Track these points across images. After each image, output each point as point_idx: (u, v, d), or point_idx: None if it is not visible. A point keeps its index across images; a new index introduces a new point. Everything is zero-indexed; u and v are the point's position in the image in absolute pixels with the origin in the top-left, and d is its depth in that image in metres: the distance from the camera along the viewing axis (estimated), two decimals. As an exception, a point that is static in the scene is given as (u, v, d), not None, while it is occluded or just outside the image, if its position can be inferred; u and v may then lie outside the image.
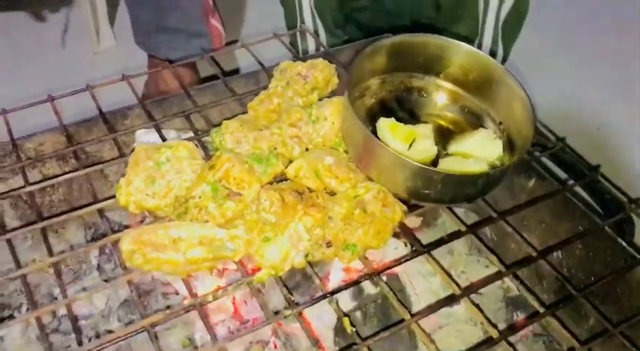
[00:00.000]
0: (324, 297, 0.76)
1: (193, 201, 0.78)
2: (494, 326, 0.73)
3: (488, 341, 0.73)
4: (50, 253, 0.79)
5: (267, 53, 1.14)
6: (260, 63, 1.08)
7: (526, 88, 0.85)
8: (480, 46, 1.45)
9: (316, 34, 1.53)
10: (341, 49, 1.17)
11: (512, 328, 0.80)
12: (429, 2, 1.44)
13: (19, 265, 0.78)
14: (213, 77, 1.09)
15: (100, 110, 0.99)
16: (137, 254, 0.75)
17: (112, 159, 0.92)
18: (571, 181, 0.90)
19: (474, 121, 0.93)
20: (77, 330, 0.72)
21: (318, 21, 1.50)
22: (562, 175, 0.94)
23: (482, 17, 1.41)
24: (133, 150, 0.86)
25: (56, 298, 1.04)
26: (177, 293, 1.00)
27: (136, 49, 1.67)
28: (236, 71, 1.82)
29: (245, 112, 0.97)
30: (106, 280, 1.06)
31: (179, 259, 0.75)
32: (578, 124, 1.85)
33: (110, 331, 0.98)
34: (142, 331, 0.72)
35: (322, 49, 1.15)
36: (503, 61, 1.51)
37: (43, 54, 2.09)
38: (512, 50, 1.54)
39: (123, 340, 0.72)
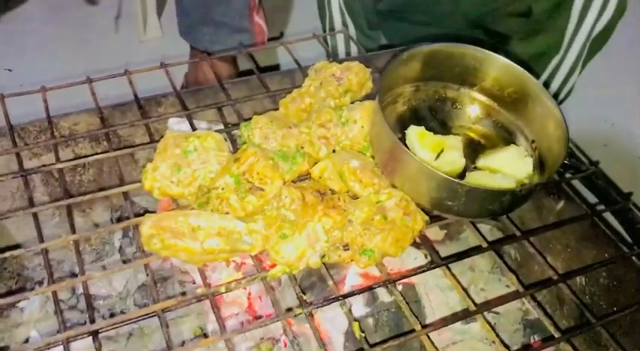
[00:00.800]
0: (336, 299, 0.75)
1: (216, 192, 0.79)
2: (507, 347, 0.72)
3: (499, 361, 0.71)
4: (73, 229, 0.81)
5: (308, 53, 1.14)
6: (297, 62, 1.08)
7: (569, 110, 0.83)
8: (561, 62, 1.42)
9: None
10: (379, 55, 1.16)
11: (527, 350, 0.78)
12: (520, 8, 1.40)
13: (42, 239, 0.79)
14: (252, 72, 1.10)
15: (136, 95, 1.00)
16: (156, 239, 0.75)
17: (143, 144, 0.93)
18: (600, 207, 0.88)
19: (506, 136, 0.91)
20: (90, 307, 0.74)
21: (347, 18, 1.49)
22: (592, 199, 0.92)
23: (572, 32, 1.37)
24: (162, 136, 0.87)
25: (76, 276, 1.06)
26: (194, 282, 1.01)
27: (180, 42, 1.70)
28: (276, 68, 1.83)
29: (276, 108, 0.97)
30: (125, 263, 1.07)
31: (196, 248, 0.76)
32: (618, 151, 1.81)
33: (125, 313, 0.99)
34: (153, 315, 0.73)
35: (355, 49, 1.14)
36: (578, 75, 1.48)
37: (90, 37, 2.14)
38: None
39: (134, 322, 0.73)
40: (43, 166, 0.91)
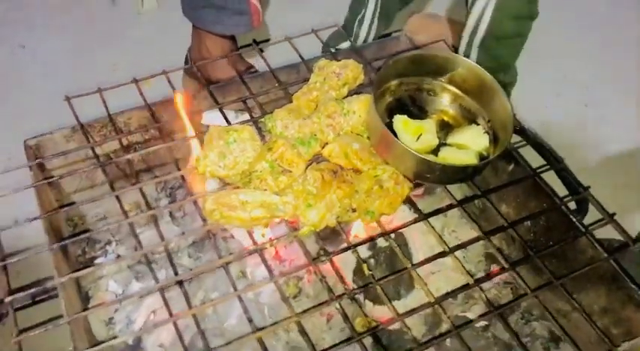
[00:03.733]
0: (348, 248, 1.05)
1: (255, 174, 1.06)
2: (471, 276, 1.02)
3: (465, 287, 1.02)
4: (148, 206, 1.08)
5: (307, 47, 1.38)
6: (301, 57, 1.32)
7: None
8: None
9: None
10: (367, 46, 1.42)
11: (484, 278, 1.08)
12: None
13: (126, 215, 1.06)
14: (249, 45, 1.38)
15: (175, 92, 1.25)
16: (216, 212, 1.03)
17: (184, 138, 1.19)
18: (540, 169, 1.17)
19: (469, 117, 1.18)
20: (172, 264, 1.02)
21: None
22: (536, 162, 1.21)
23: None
24: (207, 129, 1.13)
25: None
26: (233, 237, 1.29)
27: (175, 14, 1.90)
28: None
29: (287, 98, 1.23)
30: (174, 226, 1.35)
31: (245, 216, 1.04)
32: (568, 100, 2.10)
33: (180, 265, 1.28)
34: (220, 267, 1.02)
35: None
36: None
37: (92, 10, 2.33)
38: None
39: (202, 273, 1.02)
40: (114, 153, 1.18)
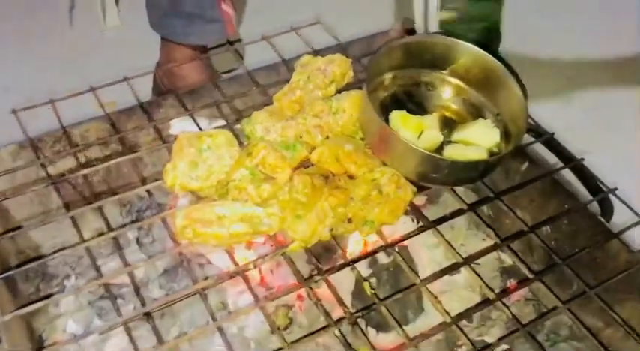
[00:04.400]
0: (347, 265, 0.89)
1: (233, 184, 0.90)
2: (491, 289, 0.87)
3: (486, 302, 0.87)
4: (109, 227, 0.91)
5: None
6: (281, 56, 1.19)
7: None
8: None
9: None
10: (353, 42, 1.28)
11: (506, 292, 0.93)
12: None
13: (82, 239, 0.90)
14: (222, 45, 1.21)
15: (139, 100, 1.09)
16: (188, 229, 0.87)
17: (151, 147, 1.04)
18: (557, 166, 1.03)
19: (475, 112, 1.04)
20: (139, 292, 0.85)
21: None
22: (550, 160, 1.07)
23: None
24: (175, 137, 0.98)
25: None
26: (210, 262, 1.13)
27: (141, 30, 1.76)
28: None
29: (268, 101, 1.08)
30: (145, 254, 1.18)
31: (224, 233, 0.88)
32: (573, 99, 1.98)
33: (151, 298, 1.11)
34: (195, 293, 0.85)
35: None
36: None
37: (51, 31, 2.17)
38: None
39: (180, 301, 0.85)
40: (68, 172, 1.02)
